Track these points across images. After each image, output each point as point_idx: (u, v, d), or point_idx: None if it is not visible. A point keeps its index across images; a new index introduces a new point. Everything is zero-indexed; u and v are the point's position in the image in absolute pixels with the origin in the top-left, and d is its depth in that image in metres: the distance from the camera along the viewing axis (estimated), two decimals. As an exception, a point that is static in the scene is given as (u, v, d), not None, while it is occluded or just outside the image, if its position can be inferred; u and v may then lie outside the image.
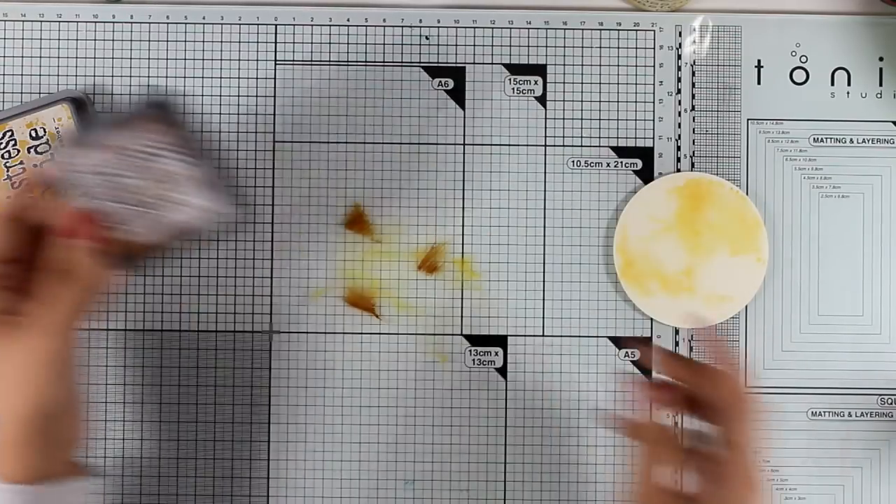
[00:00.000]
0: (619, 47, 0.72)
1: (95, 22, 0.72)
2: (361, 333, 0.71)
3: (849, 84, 0.72)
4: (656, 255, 0.70)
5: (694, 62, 0.72)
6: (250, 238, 0.71)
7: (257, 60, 0.72)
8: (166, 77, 0.72)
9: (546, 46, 0.72)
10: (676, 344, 0.71)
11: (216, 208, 0.60)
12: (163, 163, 0.60)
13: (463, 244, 0.72)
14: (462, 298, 0.71)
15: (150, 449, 0.71)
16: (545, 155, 0.72)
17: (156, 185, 0.59)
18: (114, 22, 0.72)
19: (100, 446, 0.71)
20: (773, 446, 0.71)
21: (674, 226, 0.70)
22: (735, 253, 0.70)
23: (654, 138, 0.72)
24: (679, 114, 0.72)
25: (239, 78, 0.72)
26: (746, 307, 0.71)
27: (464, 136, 0.72)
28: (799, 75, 0.72)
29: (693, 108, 0.72)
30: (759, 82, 0.72)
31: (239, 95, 0.72)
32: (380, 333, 0.71)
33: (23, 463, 0.57)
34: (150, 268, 0.71)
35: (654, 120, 0.72)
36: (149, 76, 0.72)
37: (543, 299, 0.71)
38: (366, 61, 0.72)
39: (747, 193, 0.71)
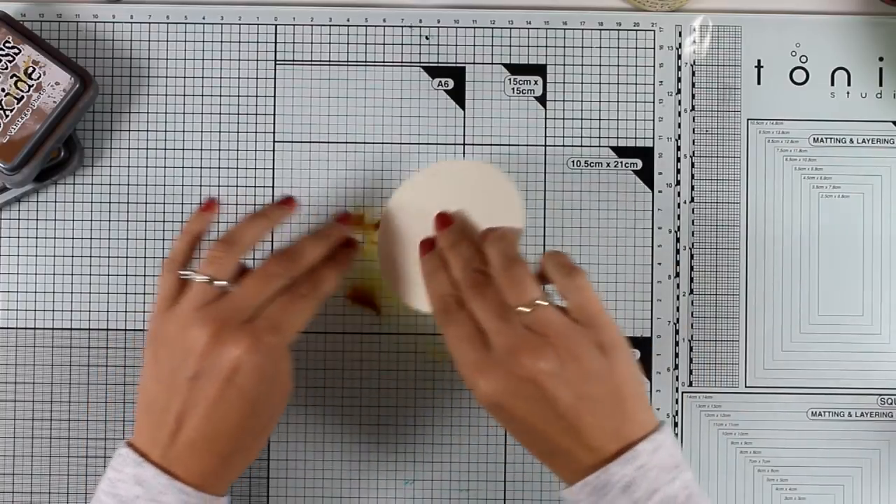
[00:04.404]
0: (619, 47, 0.72)
1: (95, 22, 0.72)
2: (361, 333, 0.71)
3: (849, 84, 0.72)
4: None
5: (694, 62, 0.72)
6: (250, 238, 0.71)
7: (257, 60, 0.72)
8: (166, 77, 0.72)
9: (546, 46, 0.72)
10: (676, 343, 0.71)
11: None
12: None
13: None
14: (462, 298, 0.71)
15: (150, 449, 0.71)
16: (545, 155, 0.72)
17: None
18: (114, 22, 0.72)
19: (100, 446, 0.71)
20: (773, 446, 0.71)
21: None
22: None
23: (654, 138, 0.72)
24: (679, 114, 0.72)
25: (239, 78, 0.72)
26: (746, 307, 0.71)
27: (464, 136, 0.72)
28: (799, 75, 0.72)
29: (693, 108, 0.72)
30: (759, 82, 0.72)
31: (239, 95, 0.72)
32: (380, 333, 0.71)
33: (206, 467, 0.58)
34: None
35: (654, 120, 0.72)
36: (149, 76, 0.72)
37: (543, 299, 0.71)
38: (366, 61, 0.72)
39: (747, 193, 0.71)
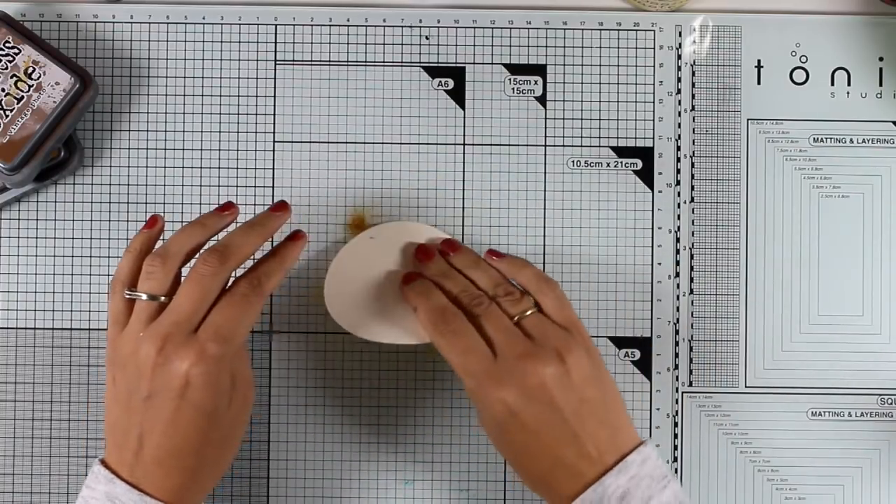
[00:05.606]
0: (619, 47, 0.72)
1: (95, 22, 0.72)
2: (361, 333, 0.71)
3: (849, 84, 0.72)
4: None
5: (694, 62, 0.72)
6: (250, 238, 0.71)
7: (257, 60, 0.72)
8: (166, 77, 0.72)
9: (546, 46, 0.72)
10: (676, 343, 0.71)
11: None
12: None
13: (463, 244, 0.71)
14: (462, 298, 0.71)
15: (150, 449, 0.71)
16: (545, 155, 0.72)
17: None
18: (114, 22, 0.72)
19: (100, 446, 0.71)
20: (773, 446, 0.71)
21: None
22: None
23: (654, 138, 0.72)
24: (679, 114, 0.72)
25: (239, 78, 0.72)
26: (746, 307, 0.71)
27: (464, 136, 0.72)
28: (799, 75, 0.72)
29: (693, 108, 0.72)
30: (759, 82, 0.72)
31: (239, 95, 0.72)
32: (380, 333, 0.71)
33: (174, 483, 0.58)
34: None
35: (654, 120, 0.72)
36: (149, 76, 0.72)
37: (543, 299, 0.71)
38: (366, 61, 0.72)
39: (747, 193, 0.72)
